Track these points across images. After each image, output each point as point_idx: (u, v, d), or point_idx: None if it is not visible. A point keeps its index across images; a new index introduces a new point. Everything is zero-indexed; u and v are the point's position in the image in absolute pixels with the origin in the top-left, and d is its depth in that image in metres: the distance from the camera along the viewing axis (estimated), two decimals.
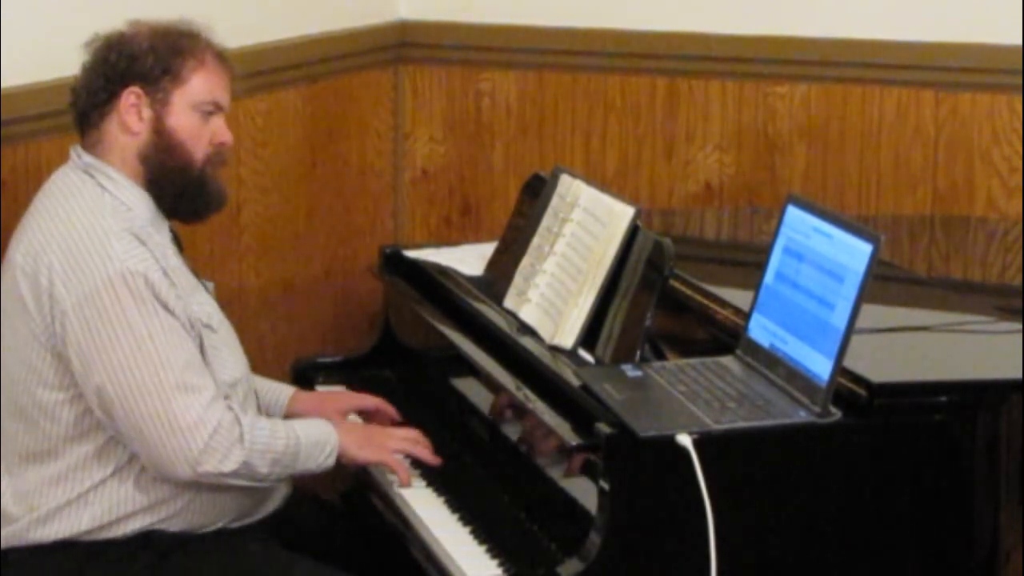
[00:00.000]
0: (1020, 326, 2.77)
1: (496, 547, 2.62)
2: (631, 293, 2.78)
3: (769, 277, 2.62)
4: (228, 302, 3.24)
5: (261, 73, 3.62)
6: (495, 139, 4.15)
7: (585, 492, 2.48)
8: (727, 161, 3.95)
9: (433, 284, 3.26)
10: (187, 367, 2.62)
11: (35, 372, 2.66)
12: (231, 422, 2.63)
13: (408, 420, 3.01)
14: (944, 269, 3.41)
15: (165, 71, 2.70)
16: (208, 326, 2.72)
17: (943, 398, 2.50)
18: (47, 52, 3.04)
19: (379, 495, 2.87)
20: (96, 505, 2.67)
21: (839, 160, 3.87)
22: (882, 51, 3.79)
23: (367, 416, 3.06)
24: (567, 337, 2.82)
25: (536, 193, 3.14)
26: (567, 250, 2.94)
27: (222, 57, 2.77)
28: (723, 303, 2.84)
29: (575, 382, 2.62)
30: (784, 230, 2.62)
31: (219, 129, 2.76)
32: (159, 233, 2.74)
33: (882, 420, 2.47)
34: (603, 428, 2.41)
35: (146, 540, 2.68)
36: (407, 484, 2.83)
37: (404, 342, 3.37)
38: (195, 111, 2.73)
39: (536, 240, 3.03)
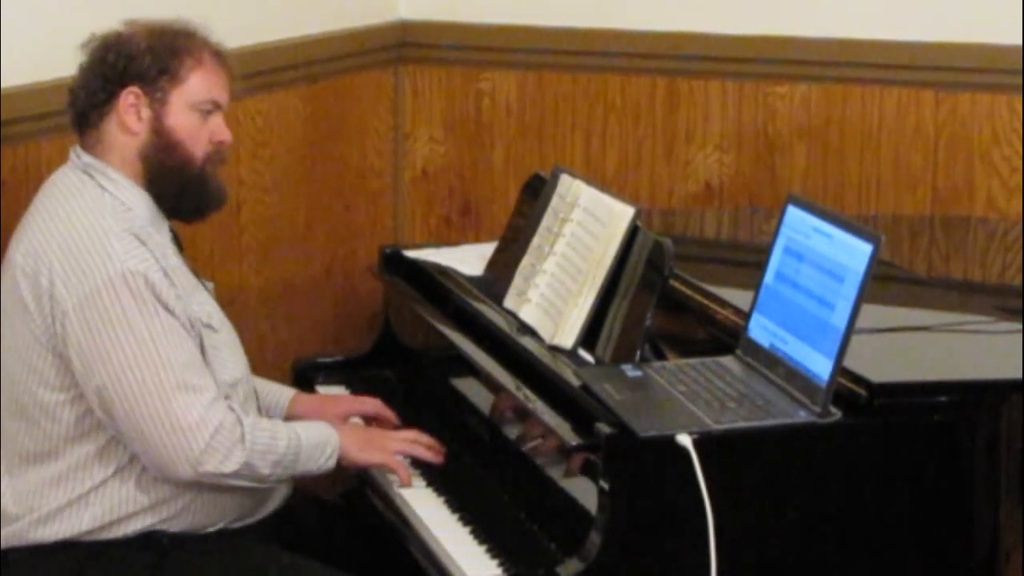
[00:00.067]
0: (1020, 326, 2.77)
1: (496, 547, 2.62)
2: (631, 293, 2.78)
3: (769, 277, 2.62)
4: (228, 302, 3.24)
5: (261, 73, 3.61)
6: (495, 139, 4.14)
7: (585, 492, 2.48)
8: (727, 161, 3.95)
9: (433, 284, 3.26)
10: (188, 367, 2.62)
11: (36, 372, 2.65)
12: (233, 422, 2.63)
13: (408, 420, 3.01)
14: (944, 269, 3.41)
15: (163, 71, 2.70)
16: (208, 326, 2.72)
17: (943, 398, 2.50)
18: (47, 52, 3.04)
19: (379, 495, 2.87)
20: (97, 505, 2.67)
21: (839, 160, 3.87)
22: (882, 51, 3.79)
23: (367, 421, 3.06)
24: (567, 337, 2.82)
25: (536, 193, 3.14)
26: (567, 250, 2.94)
27: (220, 56, 2.77)
28: (723, 303, 2.84)
29: (575, 382, 2.62)
30: (784, 230, 2.62)
31: (218, 128, 2.76)
32: (159, 233, 2.74)
33: (882, 420, 2.47)
34: (603, 428, 2.41)
35: (147, 540, 2.68)
36: (407, 484, 2.83)
37: (404, 342, 3.37)
38: (194, 110, 2.73)
39: (536, 240, 3.03)
